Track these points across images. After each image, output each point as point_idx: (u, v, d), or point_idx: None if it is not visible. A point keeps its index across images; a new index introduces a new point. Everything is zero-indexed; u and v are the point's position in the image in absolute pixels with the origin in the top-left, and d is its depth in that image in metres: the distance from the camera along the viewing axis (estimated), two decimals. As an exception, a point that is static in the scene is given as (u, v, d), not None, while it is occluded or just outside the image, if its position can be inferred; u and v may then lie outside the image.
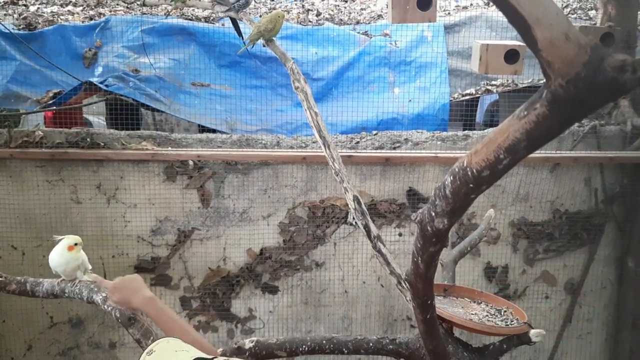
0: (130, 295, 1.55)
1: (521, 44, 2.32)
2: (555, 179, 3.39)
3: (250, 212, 3.27)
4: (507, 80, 3.73)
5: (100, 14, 4.21)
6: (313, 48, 3.82)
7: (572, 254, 3.50)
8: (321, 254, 3.35)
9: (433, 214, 1.05)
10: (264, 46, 2.45)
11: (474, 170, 0.88)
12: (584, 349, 3.63)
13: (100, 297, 1.77)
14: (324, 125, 2.12)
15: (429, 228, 1.10)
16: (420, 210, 1.11)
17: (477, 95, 3.80)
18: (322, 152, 2.16)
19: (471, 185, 0.92)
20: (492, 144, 0.83)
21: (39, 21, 3.94)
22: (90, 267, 1.92)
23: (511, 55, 2.72)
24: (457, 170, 0.93)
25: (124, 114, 3.30)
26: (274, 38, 2.36)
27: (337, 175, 2.07)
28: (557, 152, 3.33)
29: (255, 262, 3.32)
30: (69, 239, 1.87)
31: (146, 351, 1.03)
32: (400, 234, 3.34)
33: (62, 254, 1.84)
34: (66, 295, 1.82)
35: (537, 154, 3.26)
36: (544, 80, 0.70)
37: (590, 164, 3.41)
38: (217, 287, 3.32)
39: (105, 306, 1.75)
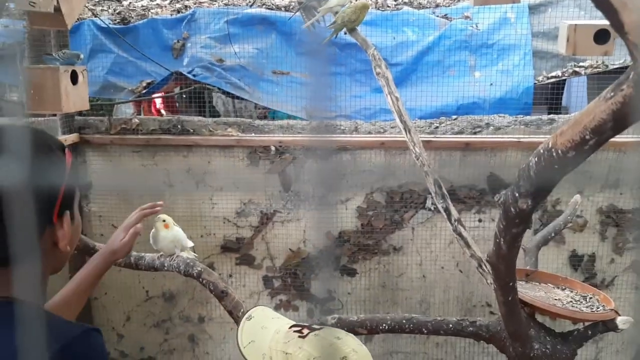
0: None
1: (612, 23, 2.22)
2: (648, 165, 3.23)
3: (329, 197, 3.36)
4: (597, 62, 3.57)
5: (187, 6, 4.42)
6: (391, 33, 3.83)
7: (665, 244, 3.33)
8: (399, 238, 3.38)
9: (517, 194, 1.06)
10: (345, 34, 2.51)
11: (559, 151, 0.90)
12: (677, 343, 3.44)
13: (196, 271, 1.92)
14: (404, 110, 2.15)
15: (512, 209, 1.12)
16: (503, 192, 1.13)
17: (564, 78, 3.66)
18: (401, 137, 2.19)
19: (556, 167, 0.93)
20: (578, 125, 0.85)
21: (132, 15, 4.21)
22: (190, 245, 2.07)
23: (601, 36, 2.61)
24: (542, 151, 0.95)
25: (200, 101, 3.55)
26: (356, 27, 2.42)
27: (417, 159, 2.10)
28: (651, 136, 3.16)
29: (334, 245, 3.41)
30: (159, 218, 2.02)
31: (245, 316, 1.14)
32: (480, 220, 3.31)
33: (157, 231, 2.01)
34: (165, 268, 1.99)
35: (629, 138, 3.11)
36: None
37: (688, 148, 3.21)
38: (298, 267, 3.45)
39: (201, 280, 1.90)
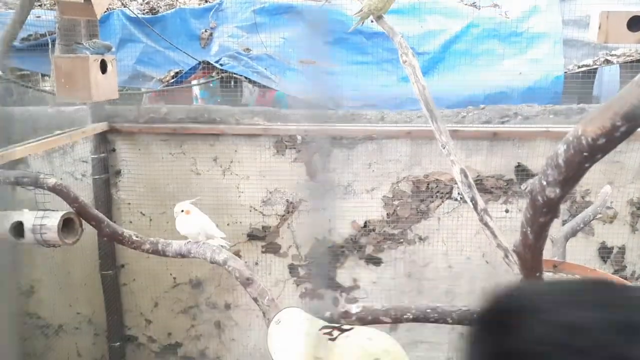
0: None
1: (647, 9, 2.16)
2: (683, 155, 3.14)
3: (355, 186, 3.36)
4: (630, 50, 3.47)
5: (214, -4, 4.45)
6: (418, 22, 3.79)
7: (700, 237, 3.24)
8: (425, 228, 3.37)
9: (544, 183, 1.05)
10: (372, 22, 2.49)
11: (589, 139, 0.88)
12: None
13: (222, 258, 1.95)
14: (431, 98, 2.14)
15: (539, 198, 1.10)
16: (530, 181, 1.11)
17: (595, 67, 3.57)
18: (427, 126, 2.18)
19: (585, 154, 0.91)
20: (608, 111, 0.83)
21: (160, 5, 4.26)
22: (220, 235, 2.10)
23: (635, 23, 2.54)
24: (570, 138, 0.93)
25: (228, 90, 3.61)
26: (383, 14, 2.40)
27: (444, 148, 2.08)
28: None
29: (360, 234, 3.42)
30: (178, 207, 2.07)
31: (274, 321, 1.13)
32: (507, 210, 3.27)
33: (180, 218, 2.06)
34: (192, 255, 2.02)
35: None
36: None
37: None
38: (323, 256, 3.47)
39: (226, 266, 1.92)
